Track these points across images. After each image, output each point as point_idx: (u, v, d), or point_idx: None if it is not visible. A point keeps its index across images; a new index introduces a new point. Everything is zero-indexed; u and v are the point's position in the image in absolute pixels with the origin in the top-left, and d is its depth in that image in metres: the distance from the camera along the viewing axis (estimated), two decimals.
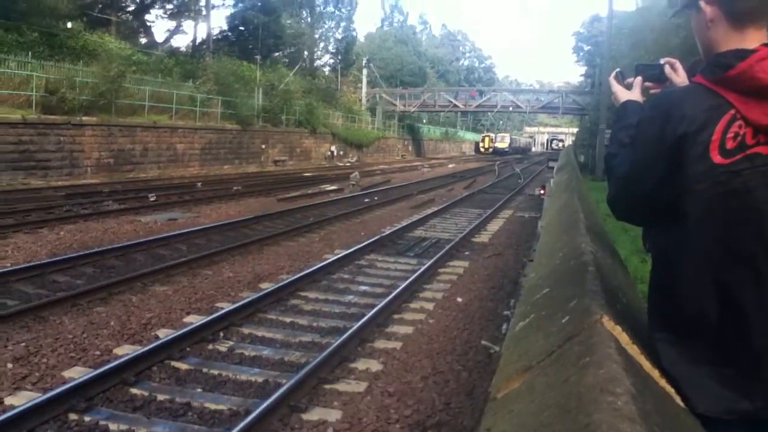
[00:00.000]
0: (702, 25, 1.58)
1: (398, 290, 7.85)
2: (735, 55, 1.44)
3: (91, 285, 7.58)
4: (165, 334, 6.10)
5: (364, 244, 10.98)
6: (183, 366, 5.43)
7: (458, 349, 6.25)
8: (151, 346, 5.52)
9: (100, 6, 34.67)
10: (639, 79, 1.92)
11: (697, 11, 1.59)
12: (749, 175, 1.38)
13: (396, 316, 7.24)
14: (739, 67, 1.41)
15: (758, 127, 1.39)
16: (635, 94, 1.89)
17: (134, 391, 4.87)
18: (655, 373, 1.57)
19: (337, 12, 57.98)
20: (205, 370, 5.37)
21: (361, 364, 5.71)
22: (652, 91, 1.94)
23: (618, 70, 2.02)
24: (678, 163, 1.43)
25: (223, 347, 5.96)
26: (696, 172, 1.41)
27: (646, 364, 1.58)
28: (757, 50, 1.42)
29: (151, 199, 15.98)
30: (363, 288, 8.51)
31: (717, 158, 1.40)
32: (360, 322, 6.47)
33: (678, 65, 1.92)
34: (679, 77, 1.88)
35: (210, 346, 5.95)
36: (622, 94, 1.90)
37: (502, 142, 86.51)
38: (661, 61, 1.94)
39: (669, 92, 1.67)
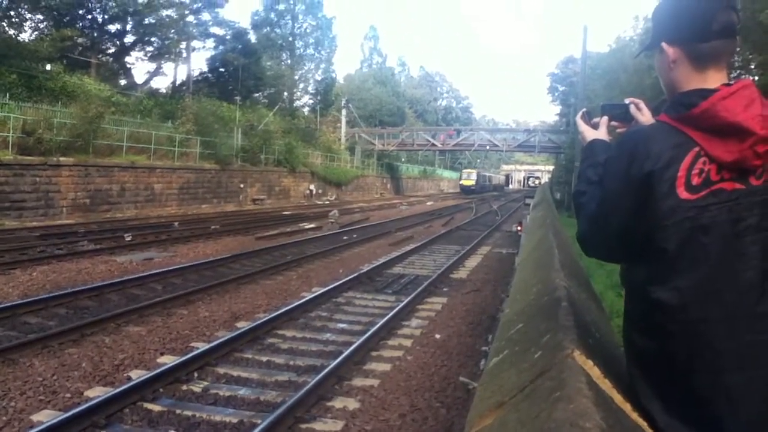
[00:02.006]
0: (665, 66, 1.62)
1: (376, 327, 7.82)
2: (697, 94, 1.48)
3: (63, 326, 7.45)
4: (138, 375, 5.99)
5: (342, 281, 10.95)
6: (156, 407, 5.32)
7: (436, 385, 6.21)
8: (123, 387, 5.42)
9: (81, 48, 34.78)
10: (605, 118, 1.96)
11: (660, 52, 1.63)
12: (716, 210, 1.41)
13: (374, 353, 7.19)
14: (701, 105, 1.44)
15: (721, 163, 1.42)
16: (602, 133, 1.92)
17: None
18: (627, 407, 1.56)
19: (316, 54, 58.70)
20: (178, 411, 5.27)
21: (338, 403, 5.64)
22: (618, 130, 1.98)
23: (584, 109, 2.06)
24: (646, 199, 1.45)
25: (197, 388, 5.86)
26: (665, 207, 1.43)
27: (618, 398, 1.58)
28: (718, 90, 1.46)
29: (127, 239, 15.82)
30: (341, 325, 8.45)
31: (684, 194, 1.42)
32: (337, 360, 6.41)
33: (642, 105, 1.96)
34: (644, 116, 1.92)
35: (184, 387, 5.85)
36: (589, 134, 1.93)
37: (468, 179, 76.17)
38: (626, 101, 1.99)
39: (635, 131, 1.69)
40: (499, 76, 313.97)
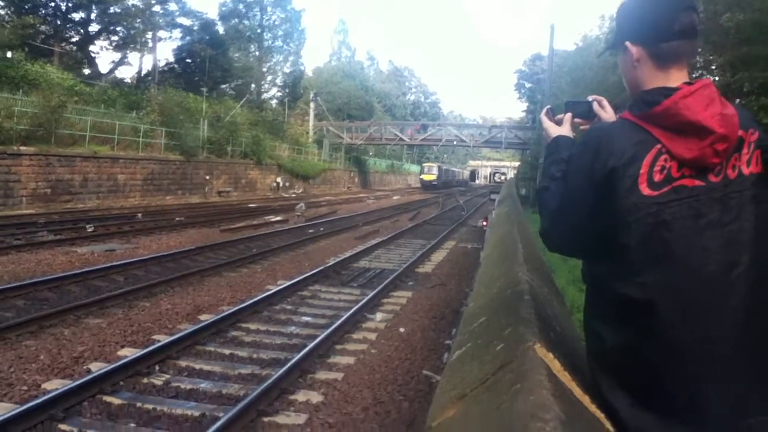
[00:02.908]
0: (628, 65, 1.67)
1: (341, 321, 7.83)
2: (659, 92, 1.52)
3: (20, 318, 7.30)
4: (97, 367, 5.90)
5: (307, 274, 10.91)
6: (115, 401, 5.26)
7: (400, 379, 6.24)
8: (82, 380, 5.33)
9: (43, 36, 33.96)
10: (569, 115, 2.00)
11: (623, 51, 1.67)
12: (677, 206, 1.44)
13: (338, 347, 7.20)
14: (663, 104, 1.48)
15: (682, 161, 1.45)
16: (565, 130, 1.95)
17: (63, 427, 4.71)
18: (586, 399, 1.58)
19: (285, 47, 58.12)
20: (138, 404, 5.21)
21: (301, 396, 5.64)
22: (582, 127, 2.01)
23: (549, 107, 2.09)
24: (608, 195, 1.48)
25: (158, 381, 5.80)
26: (627, 203, 1.46)
27: (578, 391, 1.60)
28: (680, 88, 1.50)
29: (89, 230, 15.55)
30: (305, 319, 8.43)
31: (646, 190, 1.45)
32: (301, 353, 6.41)
33: (605, 102, 2.01)
34: (607, 114, 1.97)
35: (145, 380, 5.78)
36: (553, 130, 1.96)
37: (429, 173, 72.41)
38: (589, 98, 2.03)
39: (598, 127, 1.72)
40: (466, 70, 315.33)
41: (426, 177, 71.75)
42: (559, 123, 1.99)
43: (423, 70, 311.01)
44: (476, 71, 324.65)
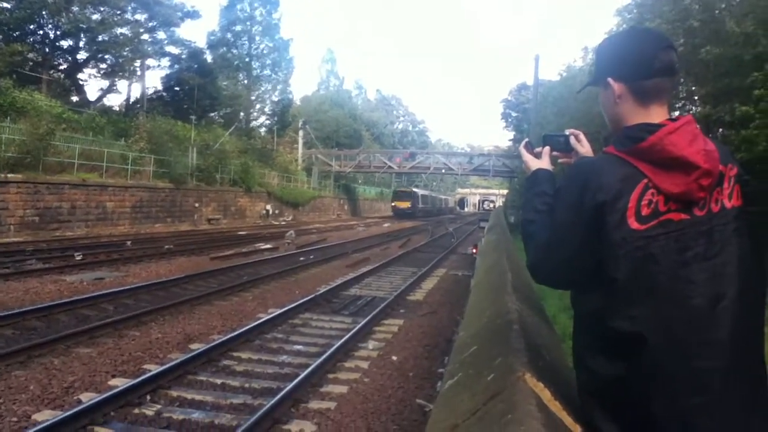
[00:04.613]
0: (610, 101, 1.70)
1: (333, 349, 7.79)
2: (643, 128, 1.56)
3: (9, 348, 7.21)
4: (88, 398, 5.84)
5: (298, 302, 10.88)
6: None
7: (393, 408, 6.21)
8: (72, 411, 5.27)
9: (32, 63, 34.02)
10: (547, 148, 2.03)
11: (605, 88, 1.72)
12: (664, 240, 1.47)
13: (330, 376, 7.16)
14: (649, 140, 1.52)
15: (669, 195, 1.49)
16: (545, 163, 1.99)
17: None
18: (577, 429, 1.61)
19: (273, 75, 58.42)
20: None
21: (294, 426, 5.60)
22: (560, 161, 2.06)
23: (527, 139, 2.13)
24: (598, 229, 1.51)
25: (149, 411, 5.74)
26: (616, 237, 1.49)
27: (568, 420, 1.61)
28: (664, 125, 1.54)
29: (78, 258, 15.44)
30: (297, 347, 8.39)
31: (634, 224, 1.48)
32: (293, 383, 6.36)
33: (582, 136, 2.05)
34: (583, 147, 2.01)
35: (136, 411, 5.72)
36: (533, 163, 1.99)
37: (402, 200, 65.72)
38: (567, 132, 2.07)
39: (584, 162, 1.76)
40: (455, 102, 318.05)
41: (398, 203, 65.40)
42: (538, 156, 2.02)
43: (411, 100, 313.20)
44: (464, 88, 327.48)
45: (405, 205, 64.67)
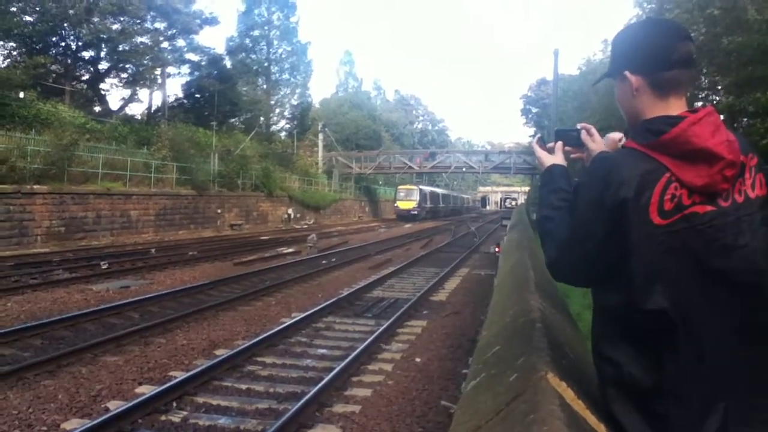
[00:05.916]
0: (627, 94, 1.67)
1: (356, 352, 7.80)
2: (664, 121, 1.54)
3: (38, 357, 7.33)
4: (116, 406, 5.91)
5: (321, 306, 10.92)
6: None
7: (417, 410, 6.20)
8: (100, 419, 5.33)
9: (54, 75, 34.57)
10: (560, 143, 2.01)
11: (622, 80, 1.69)
12: (687, 234, 1.45)
13: (354, 379, 7.17)
14: (672, 132, 1.49)
15: (693, 188, 1.47)
16: (558, 159, 1.97)
17: None
18: (601, 429, 1.59)
19: (292, 79, 58.76)
20: None
21: (319, 430, 5.62)
22: (573, 156, 2.03)
23: (539, 135, 2.11)
24: (620, 225, 1.49)
25: (176, 418, 5.79)
26: (639, 233, 1.47)
27: (592, 419, 1.59)
28: (686, 116, 1.52)
29: (103, 267, 15.65)
30: (321, 351, 8.42)
31: (657, 219, 1.46)
32: (318, 387, 6.39)
33: (593, 131, 2.02)
34: (595, 142, 1.99)
35: (163, 417, 5.78)
36: (547, 159, 1.98)
37: (405, 199, 56.85)
38: (578, 126, 2.04)
39: (605, 158, 1.71)
40: (474, 99, 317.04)
41: (402, 204, 56.75)
42: (550, 151, 2.00)
43: (429, 99, 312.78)
44: (483, 85, 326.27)
45: (409, 205, 56.15)
